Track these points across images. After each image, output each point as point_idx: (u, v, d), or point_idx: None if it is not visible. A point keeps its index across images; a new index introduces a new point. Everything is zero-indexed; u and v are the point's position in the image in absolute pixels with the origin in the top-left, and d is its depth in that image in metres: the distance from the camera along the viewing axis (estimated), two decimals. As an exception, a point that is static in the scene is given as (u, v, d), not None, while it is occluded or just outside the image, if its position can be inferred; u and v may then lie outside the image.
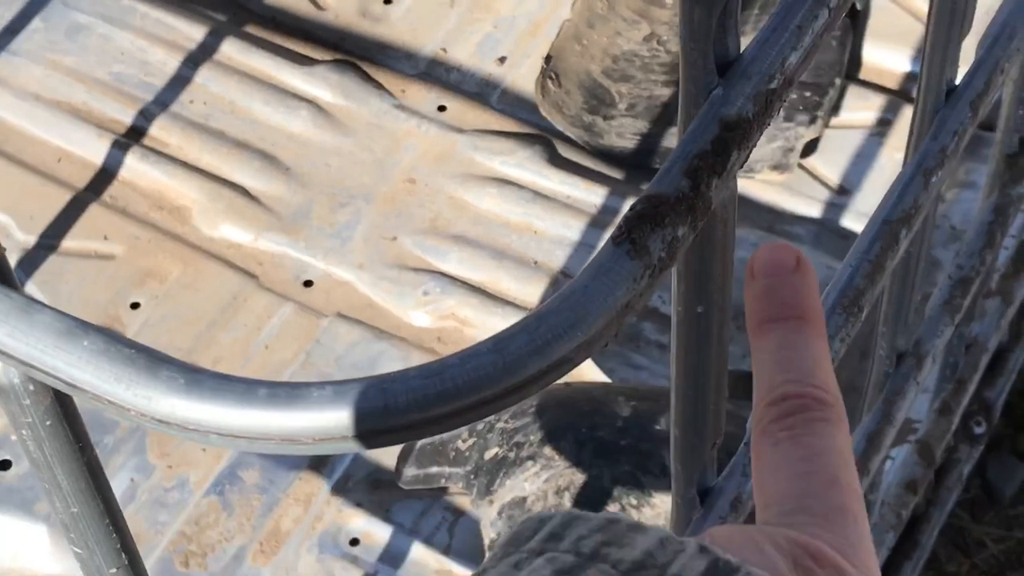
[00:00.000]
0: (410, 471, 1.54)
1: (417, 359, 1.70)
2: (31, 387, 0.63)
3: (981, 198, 1.27)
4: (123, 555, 0.72)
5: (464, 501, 1.59)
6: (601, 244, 1.83)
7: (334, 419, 0.55)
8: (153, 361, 0.56)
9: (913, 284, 1.09)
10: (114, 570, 0.72)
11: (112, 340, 0.57)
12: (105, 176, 1.84)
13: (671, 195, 0.60)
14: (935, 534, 1.59)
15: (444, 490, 1.59)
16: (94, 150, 1.85)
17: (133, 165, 1.84)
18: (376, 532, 1.59)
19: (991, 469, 1.79)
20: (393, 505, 1.61)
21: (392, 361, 1.70)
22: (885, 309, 1.02)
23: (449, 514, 1.60)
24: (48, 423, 0.65)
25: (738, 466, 0.85)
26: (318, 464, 1.64)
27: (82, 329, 0.57)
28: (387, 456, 1.63)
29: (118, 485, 1.64)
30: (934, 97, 0.94)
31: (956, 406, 1.39)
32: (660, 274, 0.60)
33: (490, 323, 1.71)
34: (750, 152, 0.62)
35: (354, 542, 1.59)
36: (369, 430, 0.55)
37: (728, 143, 0.60)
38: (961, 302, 1.15)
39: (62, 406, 0.65)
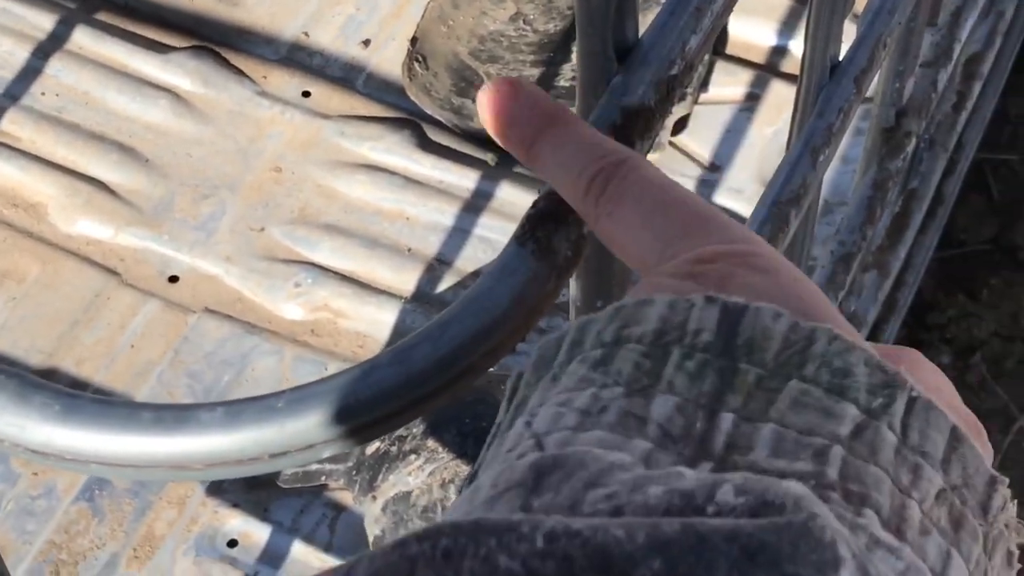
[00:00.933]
0: (289, 470, 1.50)
1: (291, 352, 1.66)
2: None
3: (858, 172, 1.26)
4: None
5: (344, 497, 1.55)
6: (475, 229, 1.80)
7: (227, 443, 0.51)
8: (25, 386, 0.52)
9: (800, 263, 1.08)
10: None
11: (18, 377, 0.53)
12: (-45, 174, 1.77)
13: (574, 190, 0.57)
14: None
15: (324, 487, 1.56)
16: (-58, 147, 1.77)
17: (-16, 161, 1.77)
18: (255, 532, 1.55)
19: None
20: (271, 504, 1.57)
21: (265, 355, 1.66)
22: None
23: (329, 510, 1.56)
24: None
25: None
26: (192, 465, 1.59)
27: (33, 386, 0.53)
28: (263, 453, 1.59)
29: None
30: (818, 73, 0.93)
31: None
32: (567, 274, 0.57)
33: (365, 313, 1.67)
34: (653, 141, 0.59)
35: (232, 543, 1.55)
36: (264, 453, 0.52)
37: (631, 132, 0.57)
38: (844, 278, 1.14)
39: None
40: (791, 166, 0.90)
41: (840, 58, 0.94)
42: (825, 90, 0.92)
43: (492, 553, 0.36)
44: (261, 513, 1.56)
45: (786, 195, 0.89)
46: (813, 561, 0.37)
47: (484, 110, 0.54)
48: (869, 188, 1.17)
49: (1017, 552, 0.48)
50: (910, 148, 1.19)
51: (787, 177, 0.89)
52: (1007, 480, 0.47)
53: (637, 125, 0.58)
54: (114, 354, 1.66)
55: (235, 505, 1.57)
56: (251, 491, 1.58)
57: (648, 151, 0.59)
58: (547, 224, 0.56)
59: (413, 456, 1.38)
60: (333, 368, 1.64)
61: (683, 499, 0.39)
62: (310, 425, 0.51)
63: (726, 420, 0.42)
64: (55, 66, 1.84)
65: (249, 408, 0.52)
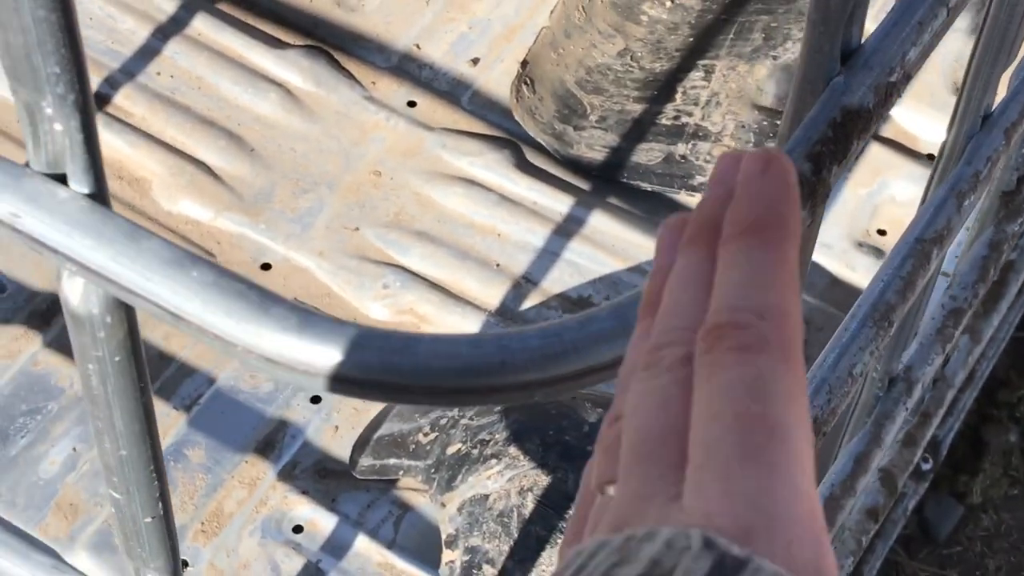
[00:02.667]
0: (366, 461, 1.52)
1: (372, 352, 1.68)
2: (108, 319, 0.61)
3: (971, 232, 1.28)
4: (159, 504, 0.70)
5: (412, 496, 1.57)
6: (564, 252, 1.83)
7: (448, 370, 0.54)
8: (265, 298, 0.55)
9: (918, 309, 1.10)
10: (149, 519, 0.70)
11: (222, 273, 0.55)
12: (65, 140, 1.80)
13: (793, 177, 0.59)
14: (877, 566, 1.61)
15: (393, 484, 1.58)
16: (56, 112, 1.81)
17: (94, 131, 1.80)
18: (320, 521, 1.57)
19: (928, 508, 1.81)
20: (340, 495, 1.59)
21: (347, 352, 1.68)
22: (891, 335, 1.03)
23: (396, 508, 1.58)
24: (117, 359, 0.62)
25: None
26: (265, 448, 1.62)
27: (191, 260, 0.55)
28: (336, 445, 1.61)
29: (59, 453, 1.60)
30: (970, 122, 0.95)
31: (920, 438, 1.40)
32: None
33: (449, 321, 1.70)
34: (865, 144, 0.62)
35: (297, 529, 1.57)
36: (484, 385, 0.54)
37: (850, 131, 0.60)
38: (952, 332, 1.16)
39: (133, 344, 0.63)
40: (936, 207, 0.92)
41: (992, 109, 0.96)
42: (975, 139, 0.95)
43: None
44: (329, 503, 1.58)
45: (929, 234, 0.91)
46: None
47: (719, 165, 0.47)
48: (985, 248, 1.20)
49: None
50: (1030, 212, 1.22)
51: (932, 217, 0.92)
52: None
53: (856, 125, 0.60)
54: (200, 333, 1.69)
55: (304, 492, 1.59)
56: (321, 480, 1.60)
57: (861, 151, 0.62)
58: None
59: (494, 461, 1.40)
60: (413, 372, 1.66)
61: None
62: (535, 368, 0.54)
63: None
64: (173, 48, 1.88)
65: (474, 341, 0.54)
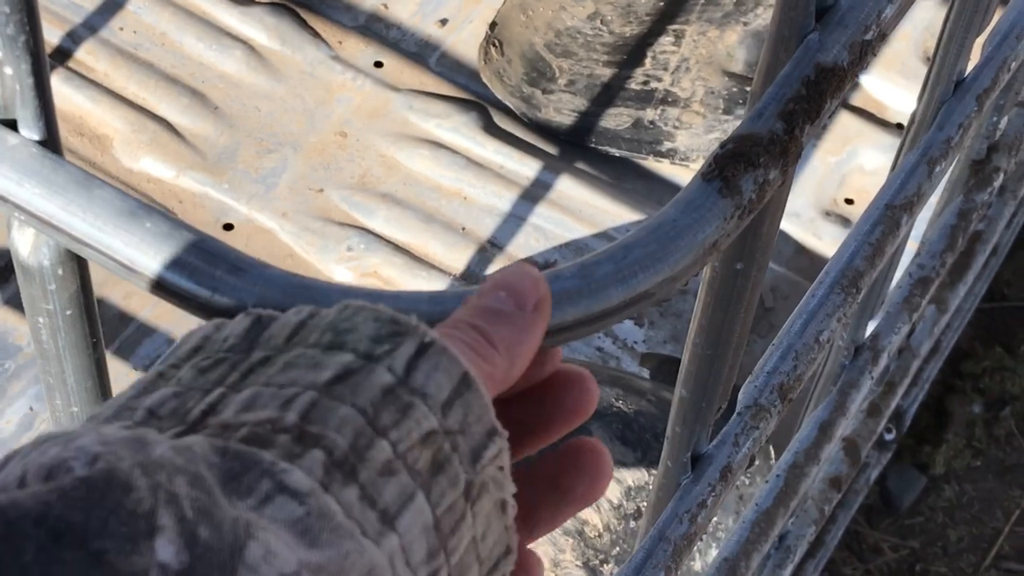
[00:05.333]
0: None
1: (335, 314, 1.66)
2: (60, 272, 0.59)
3: (940, 201, 1.27)
4: (112, 464, 0.68)
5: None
6: (530, 217, 1.81)
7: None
8: (221, 250, 0.53)
9: (886, 277, 1.09)
10: (102, 479, 0.68)
11: (177, 225, 0.54)
12: (25, 95, 1.77)
13: (765, 136, 0.58)
14: (839, 535, 1.60)
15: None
16: (16, 67, 1.78)
17: (56, 88, 1.77)
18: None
19: (891, 478, 1.81)
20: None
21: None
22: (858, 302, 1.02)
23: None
24: (68, 312, 0.61)
25: (730, 435, 0.83)
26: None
27: (144, 210, 0.54)
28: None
29: (16, 412, 1.58)
30: (943, 88, 0.94)
31: (884, 408, 1.39)
32: (748, 216, 0.58)
33: (413, 285, 1.68)
34: (840, 102, 0.60)
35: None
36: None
37: (824, 89, 0.59)
38: (919, 301, 1.15)
39: (85, 297, 0.61)
40: (906, 173, 0.91)
41: (965, 75, 0.95)
42: (947, 105, 0.94)
43: None
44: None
45: (899, 200, 0.90)
46: (123, 534, 0.39)
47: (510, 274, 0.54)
48: (954, 217, 1.19)
49: (513, 502, 0.49)
50: (997, 183, 1.21)
51: (902, 183, 0.91)
52: (507, 433, 0.48)
53: (831, 83, 0.59)
54: (161, 292, 1.67)
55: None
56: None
57: (834, 110, 0.60)
58: (736, 165, 0.57)
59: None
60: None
61: (40, 471, 0.40)
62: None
63: (215, 395, 0.46)
64: (136, 3, 1.85)
65: (449, 299, 0.53)
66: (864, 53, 0.60)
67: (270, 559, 0.40)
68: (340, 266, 1.69)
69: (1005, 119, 1.23)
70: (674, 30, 1.86)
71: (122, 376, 1.60)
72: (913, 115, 0.96)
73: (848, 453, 1.36)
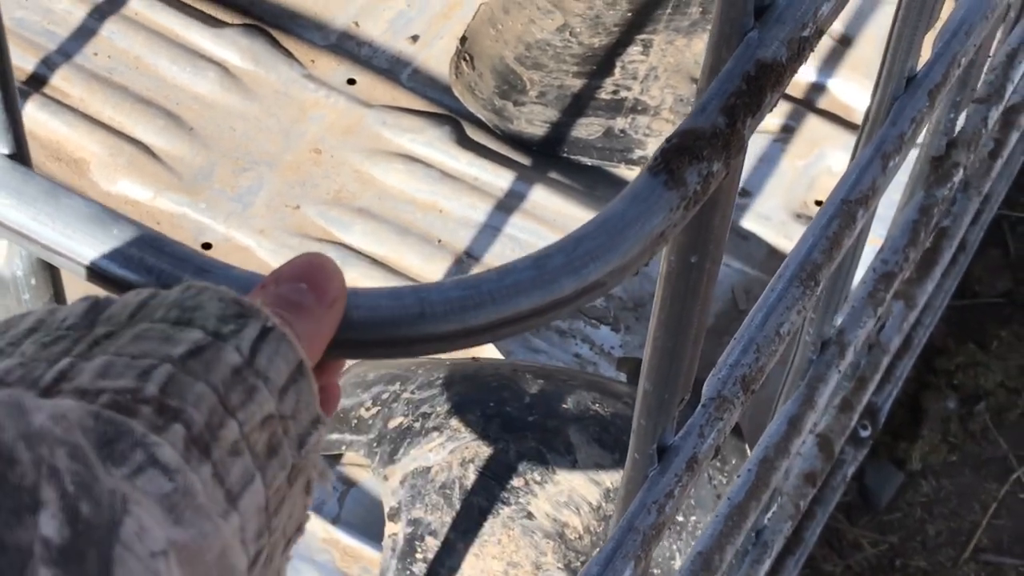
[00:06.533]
0: (309, 437, 1.52)
1: (315, 329, 1.68)
2: (33, 281, 0.61)
3: (903, 197, 1.30)
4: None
5: (356, 472, 1.58)
6: (505, 228, 1.84)
7: (368, 322, 0.54)
8: (186, 253, 0.55)
9: (848, 272, 1.11)
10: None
11: (143, 229, 0.56)
12: (2, 122, 1.79)
13: (708, 130, 0.60)
14: (818, 531, 1.62)
15: (337, 459, 1.58)
16: (-7, 94, 1.80)
17: (32, 114, 1.79)
18: (265, 499, 1.58)
19: (869, 474, 1.83)
20: (284, 473, 1.59)
21: (289, 329, 1.68)
22: (817, 295, 1.04)
23: (340, 484, 1.58)
24: (43, 321, 0.63)
25: (695, 427, 0.85)
26: (208, 427, 1.62)
27: (112, 217, 0.56)
28: (280, 424, 1.62)
29: None
30: (895, 84, 0.96)
31: (856, 403, 1.42)
32: (694, 207, 0.60)
33: (391, 298, 1.70)
34: (779, 97, 0.63)
35: (242, 508, 1.57)
36: (404, 336, 0.55)
37: (764, 84, 0.61)
38: (884, 295, 1.18)
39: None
40: (861, 168, 0.94)
41: (916, 72, 0.97)
42: (900, 101, 0.96)
43: None
44: (273, 481, 1.58)
45: (855, 195, 0.93)
46: (8, 507, 0.40)
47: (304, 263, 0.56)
48: (915, 212, 1.21)
49: (315, 481, 0.52)
50: (957, 179, 1.23)
51: (857, 178, 0.93)
52: (329, 422, 0.51)
53: (769, 78, 0.61)
54: (142, 312, 1.69)
55: (248, 470, 1.59)
56: (265, 458, 1.60)
57: (774, 104, 0.63)
58: (681, 158, 0.59)
59: (436, 433, 1.41)
60: (355, 348, 1.67)
61: None
62: (454, 319, 0.54)
63: (64, 363, 0.47)
64: (110, 28, 1.87)
65: (392, 294, 0.55)
66: (802, 49, 0.63)
67: (143, 536, 0.41)
68: (318, 281, 1.71)
69: (963, 115, 1.25)
70: (642, 40, 1.88)
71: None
72: (867, 112, 0.98)
73: (822, 448, 1.38)
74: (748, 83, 0.61)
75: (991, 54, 1.31)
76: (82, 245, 0.55)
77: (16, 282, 0.61)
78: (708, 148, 0.60)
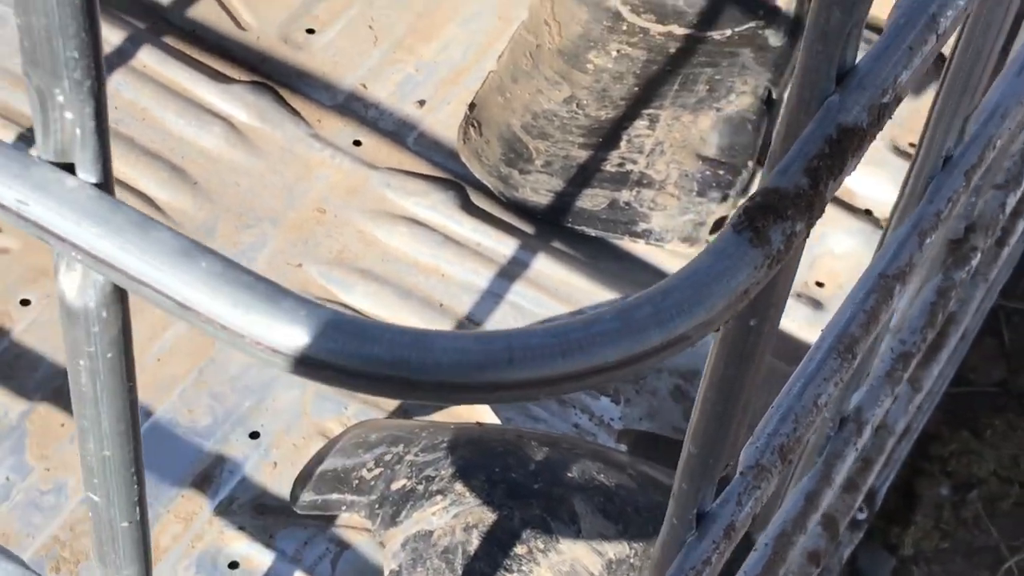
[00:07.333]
0: (307, 496, 1.51)
1: (313, 388, 1.67)
2: (104, 314, 0.61)
3: (919, 279, 1.31)
4: (137, 509, 0.69)
5: (351, 534, 1.56)
6: (507, 295, 1.84)
7: (458, 365, 0.54)
8: (274, 290, 0.55)
9: (874, 349, 1.12)
10: (126, 524, 0.69)
11: (231, 264, 0.55)
12: (7, 167, 1.79)
13: (791, 191, 0.61)
14: (812, 613, 1.62)
15: (331, 521, 1.57)
16: (-1, 139, 1.79)
17: (37, 160, 1.79)
18: (257, 557, 1.56)
19: (862, 558, 1.83)
20: (277, 531, 1.58)
21: (287, 387, 1.68)
22: (854, 368, 1.04)
23: (333, 545, 1.57)
24: (109, 355, 0.62)
25: (732, 494, 0.85)
26: (202, 483, 1.60)
27: (199, 250, 0.55)
28: (274, 482, 1.60)
29: (-7, 483, 1.58)
30: (931, 163, 0.97)
31: (862, 484, 1.42)
32: (776, 267, 0.60)
33: (390, 360, 1.69)
34: (858, 162, 0.63)
35: (233, 565, 1.56)
36: (491, 382, 0.54)
37: (846, 148, 0.61)
38: (901, 375, 1.18)
39: (125, 341, 0.63)
40: (899, 244, 0.94)
41: (953, 152, 0.98)
42: (936, 179, 0.97)
43: None
44: (266, 539, 1.57)
45: (892, 270, 0.93)
46: None
47: None
48: (933, 294, 1.22)
49: None
50: (974, 262, 1.24)
51: (894, 253, 0.94)
52: None
53: (851, 143, 0.62)
54: (140, 365, 1.67)
55: (241, 528, 1.57)
56: (259, 516, 1.58)
57: (854, 168, 0.63)
58: (766, 216, 0.59)
59: (439, 497, 1.40)
60: (353, 410, 1.66)
61: None
62: (541, 366, 0.54)
63: None
64: (117, 80, 1.87)
65: (482, 338, 0.55)
66: (881, 115, 0.63)
67: None
68: (318, 340, 1.70)
69: (982, 200, 1.27)
70: (648, 114, 1.89)
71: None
72: (903, 188, 0.99)
73: (826, 527, 1.38)
74: (830, 146, 0.61)
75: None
76: (171, 277, 0.55)
77: (87, 314, 0.60)
78: (792, 208, 0.60)
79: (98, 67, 0.53)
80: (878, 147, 1.92)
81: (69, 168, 0.57)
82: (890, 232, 0.98)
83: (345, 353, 0.53)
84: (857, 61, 0.64)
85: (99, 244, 0.55)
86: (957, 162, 0.98)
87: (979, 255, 1.25)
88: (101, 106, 0.55)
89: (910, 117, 1.94)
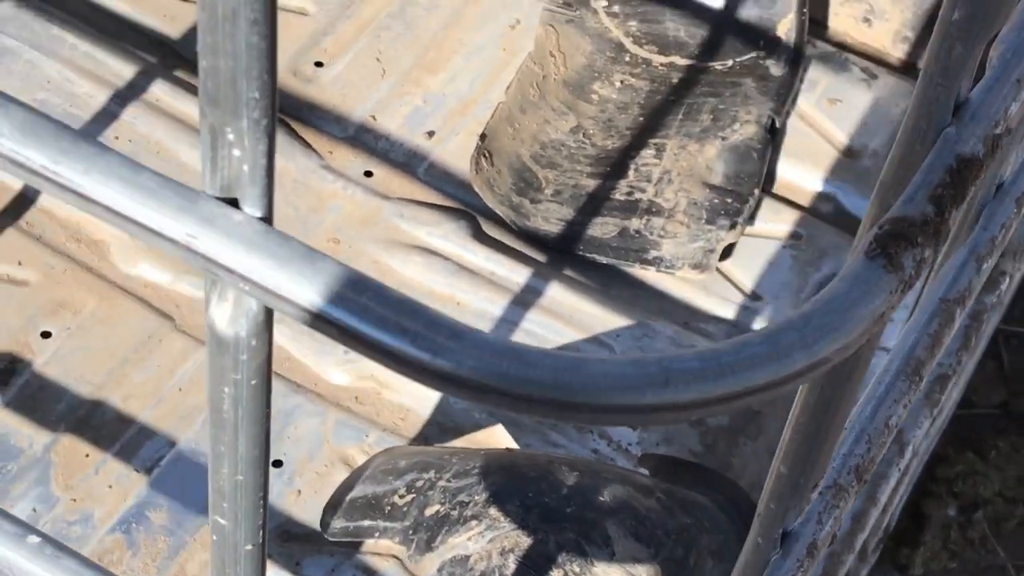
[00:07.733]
0: (338, 523, 1.53)
1: (333, 416, 1.69)
2: (254, 343, 0.63)
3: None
4: (261, 533, 0.71)
5: (377, 560, 1.58)
6: (522, 322, 1.86)
7: (616, 388, 0.56)
8: (439, 316, 0.57)
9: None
10: (250, 547, 0.71)
11: (394, 293, 0.57)
12: (23, 202, 1.80)
13: (919, 218, 0.63)
14: (830, 632, 1.64)
15: (358, 547, 1.58)
16: (15, 173, 1.80)
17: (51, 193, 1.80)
18: (284, 585, 1.57)
19: (872, 579, 1.86)
20: (304, 559, 1.59)
21: (308, 416, 1.69)
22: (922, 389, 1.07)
23: (360, 572, 1.58)
24: (254, 382, 0.64)
25: (813, 513, 0.88)
26: (228, 512, 1.61)
27: (365, 281, 0.57)
28: (299, 509, 1.62)
29: (19, 513, 1.58)
30: (984, 192, 1.00)
31: (889, 505, 1.45)
32: (908, 291, 0.63)
33: (409, 387, 1.71)
34: (977, 192, 0.66)
35: (261, 594, 1.57)
36: (648, 404, 0.57)
37: (966, 178, 0.64)
38: (939, 397, 1.21)
39: (267, 370, 0.65)
40: (957, 269, 0.97)
41: (1004, 179, 1.02)
42: (989, 207, 1.00)
43: None
44: (292, 566, 1.58)
45: (953, 295, 0.96)
46: None
47: None
48: (967, 318, 1.25)
49: None
50: (1004, 286, 1.28)
51: (954, 278, 0.97)
52: None
53: (971, 172, 0.65)
54: (161, 395, 1.69)
55: (267, 556, 1.58)
56: (285, 543, 1.60)
57: (976, 199, 0.66)
58: (898, 243, 0.62)
59: (475, 522, 1.42)
60: (374, 437, 1.67)
61: None
62: (695, 388, 0.57)
63: None
64: (132, 113, 1.88)
65: (636, 361, 0.57)
66: (996, 146, 0.66)
67: None
68: (337, 369, 1.72)
69: (1016, 224, 1.30)
70: (655, 143, 1.92)
71: (123, 478, 1.62)
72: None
73: (861, 548, 1.41)
74: (951, 176, 0.64)
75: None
76: (338, 308, 0.57)
77: (238, 343, 0.62)
78: (921, 235, 0.63)
79: (274, 106, 0.55)
80: (878, 173, 1.95)
81: (233, 203, 0.59)
82: (944, 258, 1.01)
83: (506, 378, 0.56)
84: (969, 94, 0.67)
85: (268, 276, 0.57)
86: (1008, 190, 1.01)
87: (1008, 279, 1.29)
88: (272, 143, 0.57)
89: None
